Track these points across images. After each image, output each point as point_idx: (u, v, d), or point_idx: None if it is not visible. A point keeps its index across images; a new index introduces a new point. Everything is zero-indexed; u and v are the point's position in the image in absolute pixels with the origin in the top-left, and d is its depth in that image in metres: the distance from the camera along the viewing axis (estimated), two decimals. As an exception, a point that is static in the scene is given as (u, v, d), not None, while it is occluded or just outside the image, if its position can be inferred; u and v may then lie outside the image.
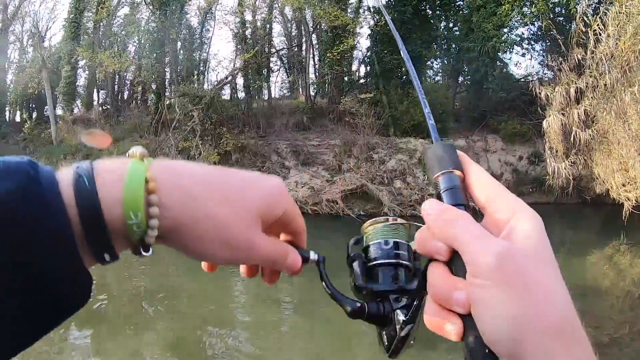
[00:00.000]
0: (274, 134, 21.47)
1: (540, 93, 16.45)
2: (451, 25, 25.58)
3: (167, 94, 23.45)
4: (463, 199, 0.60)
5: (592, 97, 15.27)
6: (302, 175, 19.10)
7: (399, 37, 0.92)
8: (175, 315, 8.28)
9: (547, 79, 20.74)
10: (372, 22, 23.09)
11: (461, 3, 23.94)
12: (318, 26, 23.58)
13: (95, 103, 29.61)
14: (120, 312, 8.53)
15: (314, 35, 24.19)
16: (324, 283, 0.72)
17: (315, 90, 24.07)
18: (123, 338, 7.20)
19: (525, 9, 20.79)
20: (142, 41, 25.67)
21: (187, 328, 7.67)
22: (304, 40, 25.42)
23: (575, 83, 15.51)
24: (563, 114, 15.62)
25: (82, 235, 0.48)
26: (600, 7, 15.15)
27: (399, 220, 0.71)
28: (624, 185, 14.69)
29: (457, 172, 0.62)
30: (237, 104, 23.13)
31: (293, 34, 28.77)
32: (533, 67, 30.85)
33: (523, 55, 24.58)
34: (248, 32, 23.68)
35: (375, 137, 19.65)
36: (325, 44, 22.02)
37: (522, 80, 24.17)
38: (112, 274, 10.43)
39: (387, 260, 0.69)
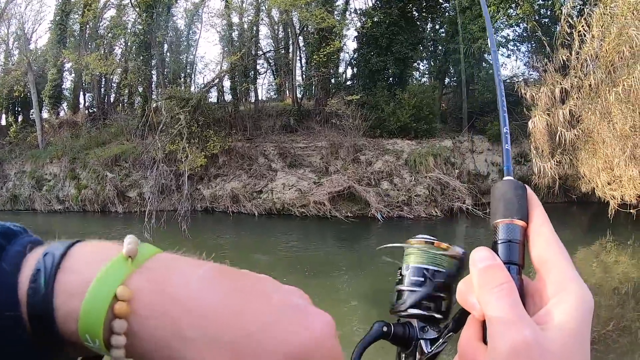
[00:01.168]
0: (261, 137, 21.37)
1: (525, 94, 16.49)
2: (437, 27, 25.73)
3: (153, 96, 23.23)
4: (518, 257, 0.55)
5: (577, 98, 15.33)
6: (289, 178, 19.03)
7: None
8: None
9: (532, 79, 20.83)
10: (358, 24, 23.11)
11: (447, 5, 24.10)
12: (305, 28, 23.50)
13: (81, 106, 29.25)
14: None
15: (300, 38, 24.09)
16: None
17: (302, 93, 24.10)
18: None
19: (510, 10, 20.93)
20: (129, 43, 25.54)
21: None
22: (290, 42, 25.34)
23: (560, 84, 15.57)
24: (548, 114, 15.64)
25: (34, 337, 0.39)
26: (585, 9, 15.20)
27: (444, 246, 0.67)
28: (609, 184, 14.74)
29: (520, 223, 0.56)
30: (224, 107, 22.99)
31: (280, 36, 28.59)
32: (518, 68, 31.15)
33: (509, 56, 24.74)
34: (235, 34, 23.56)
35: (362, 139, 19.63)
36: (312, 46, 21.95)
37: (508, 81, 24.21)
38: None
39: (421, 289, 0.65)
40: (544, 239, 0.54)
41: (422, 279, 0.66)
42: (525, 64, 25.56)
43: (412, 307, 0.66)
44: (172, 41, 24.33)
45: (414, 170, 18.44)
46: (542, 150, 16.22)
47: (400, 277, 0.69)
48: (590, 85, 14.90)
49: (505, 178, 0.62)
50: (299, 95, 23.87)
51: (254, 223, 18.07)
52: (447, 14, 24.37)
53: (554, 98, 15.71)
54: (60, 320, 0.38)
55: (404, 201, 17.93)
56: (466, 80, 22.57)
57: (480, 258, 0.54)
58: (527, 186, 0.60)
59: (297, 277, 11.35)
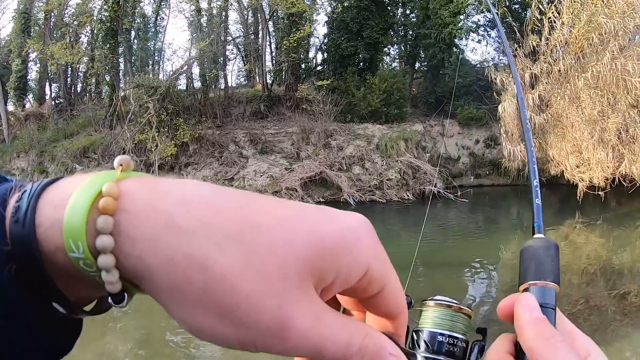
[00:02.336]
0: (231, 124, 20.99)
1: (495, 78, 16.60)
2: (408, 12, 25.58)
3: (121, 85, 22.65)
4: (554, 324, 0.50)
5: (546, 83, 15.52)
6: (261, 164, 18.79)
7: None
8: (141, 313, 7.87)
9: (502, 64, 20.91)
10: (328, 9, 22.87)
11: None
12: (274, 13, 23.15)
13: (47, 97, 28.46)
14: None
15: (270, 23, 23.80)
16: None
17: (272, 78, 23.74)
18: (89, 340, 6.78)
19: (482, -4, 20.90)
20: (95, 31, 24.81)
21: (154, 325, 7.26)
22: (260, 27, 24.90)
23: (530, 69, 15.75)
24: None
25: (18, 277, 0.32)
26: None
27: (465, 310, 0.59)
28: (577, 166, 14.95)
29: (553, 286, 0.53)
30: (193, 94, 22.49)
31: (249, 21, 28.09)
32: (489, 53, 31.03)
33: (479, 41, 24.78)
34: (203, 20, 23.17)
35: (333, 124, 19.50)
36: (282, 31, 21.68)
37: (478, 66, 24.40)
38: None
39: (437, 357, 0.57)
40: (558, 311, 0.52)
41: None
42: (495, 49, 25.62)
43: None
44: (139, 28, 23.83)
45: (385, 155, 18.37)
46: (512, 134, 16.34)
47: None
48: (559, 70, 15.13)
49: (536, 236, 0.59)
50: (269, 81, 23.48)
51: (226, 211, 17.79)
52: (417, -1, 24.34)
53: (524, 83, 15.82)
54: (44, 237, 0.32)
55: (375, 185, 17.86)
56: (436, 65, 22.53)
57: (532, 307, 0.49)
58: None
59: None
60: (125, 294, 0.33)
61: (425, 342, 0.57)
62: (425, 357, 0.57)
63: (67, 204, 0.32)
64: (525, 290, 0.53)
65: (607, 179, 14.18)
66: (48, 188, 0.33)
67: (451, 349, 0.57)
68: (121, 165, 0.35)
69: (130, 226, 0.31)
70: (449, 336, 0.57)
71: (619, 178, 14.21)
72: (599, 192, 14.24)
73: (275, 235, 0.32)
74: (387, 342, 0.36)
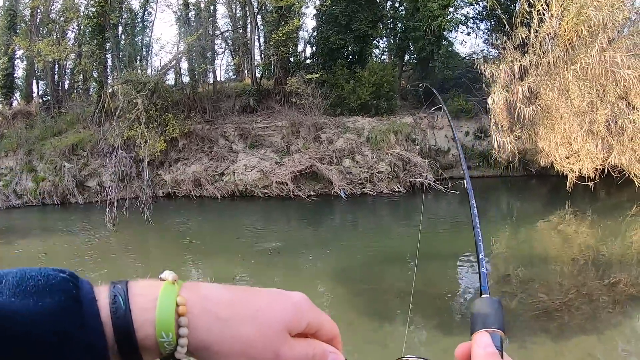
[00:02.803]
0: (220, 118, 20.80)
1: (485, 70, 16.55)
2: (397, 4, 25.46)
3: (109, 81, 22.45)
4: None
5: (535, 75, 15.48)
6: (251, 159, 18.70)
7: None
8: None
9: (491, 57, 20.97)
10: (317, 2, 22.75)
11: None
12: (263, 7, 22.93)
13: (35, 95, 28.07)
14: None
15: (258, 16, 23.61)
16: None
17: (261, 72, 23.55)
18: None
19: (472, -12, 20.91)
20: (82, 27, 24.54)
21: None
22: (248, 21, 24.64)
23: (519, 61, 15.69)
24: (507, 91, 15.74)
25: (115, 350, 0.54)
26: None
27: None
28: (567, 157, 14.97)
29: (500, 333, 0.66)
30: (182, 89, 22.21)
31: (237, 15, 27.86)
32: (478, 45, 31.25)
33: (468, 34, 24.79)
34: (191, 14, 22.93)
35: (323, 117, 19.37)
36: (271, 24, 21.50)
37: (467, 58, 24.34)
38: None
39: None
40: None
41: None
42: (484, 42, 25.63)
43: None
44: (126, 23, 23.54)
45: (376, 147, 18.25)
46: (502, 126, 16.33)
47: None
48: (548, 62, 15.11)
49: (483, 296, 0.74)
50: (258, 75, 23.21)
51: (217, 206, 17.72)
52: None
53: (513, 75, 15.79)
54: (139, 328, 0.54)
55: (366, 178, 17.79)
56: (426, 58, 22.49)
57: (486, 344, 0.66)
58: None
59: (262, 258, 11.22)
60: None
61: None
62: None
63: (153, 309, 0.55)
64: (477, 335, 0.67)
65: (596, 170, 14.20)
66: (130, 295, 0.56)
67: None
68: (175, 281, 0.60)
69: (195, 321, 0.57)
70: None
71: (608, 169, 14.21)
72: (589, 183, 14.26)
73: (267, 314, 0.61)
74: (329, 347, 0.67)
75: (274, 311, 0.62)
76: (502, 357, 0.64)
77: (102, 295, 0.55)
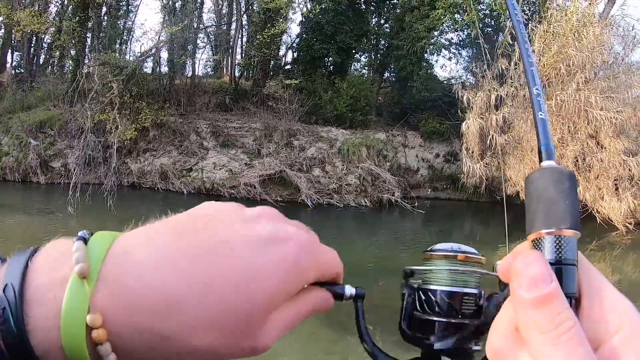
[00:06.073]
0: (194, 113, 19.96)
1: (462, 96, 16.55)
2: (382, 22, 25.37)
3: (86, 61, 21.70)
4: (576, 286, 0.38)
5: (511, 105, 15.58)
6: (221, 157, 18.19)
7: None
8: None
9: (469, 83, 21.02)
10: (305, 9, 22.62)
11: (396, 2, 23.79)
12: (250, 7, 22.65)
13: (8, 66, 27.22)
14: None
15: (244, 16, 23.37)
16: (358, 324, 0.55)
17: (240, 72, 23.17)
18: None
19: (457, 16, 20.92)
20: (65, 2, 23.90)
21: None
22: (234, 19, 24.33)
23: (497, 91, 15.74)
24: (482, 118, 15.79)
25: None
26: (530, 24, 15.43)
27: (473, 258, 0.51)
28: (533, 188, 15.08)
29: (571, 233, 0.39)
30: (159, 79, 21.29)
31: (223, 11, 27.45)
32: (457, 71, 31.44)
33: (450, 59, 24.87)
34: (178, 4, 22.45)
35: (297, 124, 18.79)
36: (256, 25, 20.99)
37: (446, 82, 24.43)
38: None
39: (447, 320, 0.50)
40: (585, 262, 0.40)
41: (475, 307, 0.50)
42: (464, 68, 25.83)
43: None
44: (111, 4, 22.87)
45: (347, 160, 17.80)
46: (473, 152, 16.35)
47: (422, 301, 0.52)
48: (524, 95, 15.16)
49: (545, 164, 0.43)
50: (237, 74, 22.59)
51: (182, 202, 17.16)
52: (394, 10, 24.10)
53: (489, 103, 15.76)
54: (41, 354, 0.37)
55: (334, 189, 17.43)
56: (405, 77, 22.56)
57: (534, 279, 0.35)
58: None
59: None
60: None
61: (437, 303, 0.50)
62: (440, 322, 0.50)
63: (57, 329, 0.37)
64: (535, 241, 0.39)
65: (561, 202, 14.40)
66: (25, 299, 0.37)
67: (466, 308, 0.49)
68: (85, 277, 0.38)
69: (123, 342, 0.38)
70: (463, 294, 0.49)
71: (572, 203, 14.44)
72: (553, 215, 14.43)
73: (241, 298, 0.42)
74: (315, 292, 0.49)
75: (253, 293, 0.40)
76: (575, 275, 0.37)
77: None
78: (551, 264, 0.37)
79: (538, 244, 0.39)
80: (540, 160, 0.44)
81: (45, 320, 0.36)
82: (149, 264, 0.39)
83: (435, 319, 0.50)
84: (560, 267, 0.37)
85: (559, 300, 0.35)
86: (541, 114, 0.47)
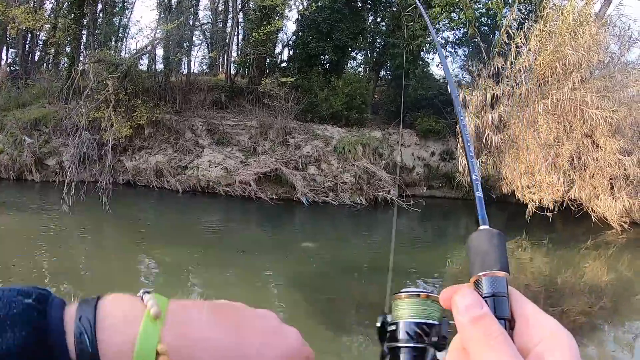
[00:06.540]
0: (190, 111, 19.78)
1: (458, 95, 16.59)
2: (379, 20, 25.42)
3: (81, 58, 21.56)
4: (508, 311, 0.51)
5: (506, 104, 15.56)
6: (216, 155, 18.08)
7: None
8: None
9: (465, 82, 21.00)
10: (301, 7, 22.57)
11: (393, 0, 23.93)
12: (246, 4, 22.53)
13: (3, 62, 26.96)
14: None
15: (240, 13, 23.30)
16: None
17: (236, 69, 23.06)
18: None
19: (453, 14, 20.84)
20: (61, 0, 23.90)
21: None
22: (230, 17, 24.25)
23: (493, 89, 15.69)
24: (478, 117, 15.75)
25: None
26: (526, 23, 15.39)
27: (432, 296, 0.60)
28: (529, 187, 15.09)
29: (502, 274, 0.53)
30: (155, 76, 21.09)
31: (219, 9, 27.34)
32: (454, 70, 31.43)
33: (446, 57, 24.84)
34: (174, 1, 22.34)
35: (293, 122, 18.67)
36: (252, 23, 20.91)
37: (442, 81, 24.44)
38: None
39: (413, 345, 0.58)
40: (516, 294, 0.52)
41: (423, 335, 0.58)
42: (460, 67, 25.76)
43: None
44: (107, 1, 22.81)
45: (342, 158, 17.71)
46: (469, 150, 16.39)
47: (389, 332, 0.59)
48: (520, 94, 15.12)
49: (481, 227, 0.58)
50: (232, 72, 22.45)
51: (177, 199, 17.02)
52: (390, 9, 24.17)
53: (485, 102, 15.71)
54: None
55: (330, 187, 17.33)
56: (401, 75, 22.52)
57: (467, 306, 0.49)
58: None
59: (219, 256, 10.83)
60: None
61: (406, 332, 0.57)
62: (408, 347, 0.56)
63: (130, 354, 0.47)
64: (476, 282, 0.52)
65: (555, 202, 14.32)
66: (98, 327, 0.47)
67: (429, 335, 0.56)
68: (157, 317, 0.50)
69: None
70: (425, 324, 0.57)
71: (567, 202, 14.39)
72: (547, 214, 14.29)
73: None
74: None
75: (266, 356, 0.54)
76: (508, 305, 0.50)
77: (71, 322, 0.46)
78: (487, 296, 0.49)
79: (478, 283, 0.52)
80: (478, 225, 0.58)
81: (120, 345, 0.46)
82: (201, 320, 0.52)
83: (405, 345, 0.58)
84: (494, 299, 0.49)
85: (489, 318, 0.47)
86: (478, 193, 0.62)
